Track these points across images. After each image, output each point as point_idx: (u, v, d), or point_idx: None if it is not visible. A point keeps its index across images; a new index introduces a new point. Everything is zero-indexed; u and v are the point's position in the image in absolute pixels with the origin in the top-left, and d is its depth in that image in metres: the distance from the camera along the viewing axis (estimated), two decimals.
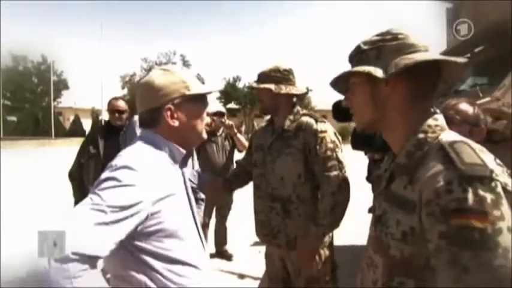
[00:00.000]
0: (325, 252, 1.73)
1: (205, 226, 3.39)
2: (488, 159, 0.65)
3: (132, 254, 0.88)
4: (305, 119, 1.73)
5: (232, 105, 32.28)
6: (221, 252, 3.61)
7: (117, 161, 0.88)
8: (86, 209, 0.77)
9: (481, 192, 0.59)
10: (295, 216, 1.70)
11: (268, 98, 1.77)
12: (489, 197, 0.59)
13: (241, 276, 3.28)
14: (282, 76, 1.76)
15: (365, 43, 0.83)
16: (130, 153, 0.94)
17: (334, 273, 1.79)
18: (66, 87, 34.22)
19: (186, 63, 34.82)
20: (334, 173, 1.62)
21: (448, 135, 0.73)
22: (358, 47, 0.84)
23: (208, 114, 1.08)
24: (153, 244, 0.89)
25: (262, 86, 1.74)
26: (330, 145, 1.65)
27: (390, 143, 0.85)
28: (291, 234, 1.70)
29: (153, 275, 0.89)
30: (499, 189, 0.60)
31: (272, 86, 1.73)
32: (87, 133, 3.04)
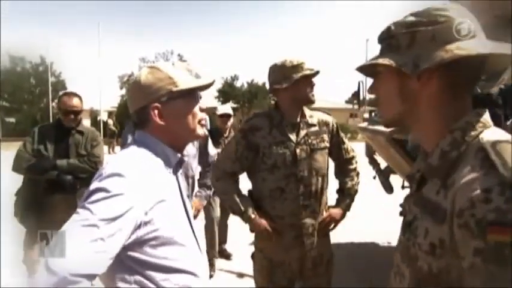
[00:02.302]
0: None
1: (213, 228, 3.36)
2: None
3: (127, 265, 0.85)
4: (319, 113, 1.86)
5: (230, 104, 32.25)
6: (220, 251, 3.59)
7: (106, 168, 0.85)
8: (77, 226, 0.73)
9: None
10: (322, 207, 1.80)
11: (311, 89, 1.76)
12: None
13: (241, 275, 3.28)
14: None
15: (396, 25, 0.70)
16: (121, 159, 0.91)
17: None
18: (65, 88, 34.03)
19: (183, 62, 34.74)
20: (354, 153, 1.94)
21: (492, 134, 0.62)
22: (388, 30, 0.72)
23: (201, 110, 1.02)
24: (147, 253, 0.86)
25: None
26: (343, 135, 1.92)
27: (421, 141, 0.74)
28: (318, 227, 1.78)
29: (149, 286, 0.86)
30: None
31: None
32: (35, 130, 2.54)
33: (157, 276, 0.87)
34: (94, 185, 0.81)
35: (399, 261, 0.73)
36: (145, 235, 0.84)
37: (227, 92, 32.97)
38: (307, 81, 1.73)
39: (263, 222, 1.72)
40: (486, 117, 0.66)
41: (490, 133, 0.62)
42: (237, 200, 1.76)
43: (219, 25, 78.22)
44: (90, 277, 0.72)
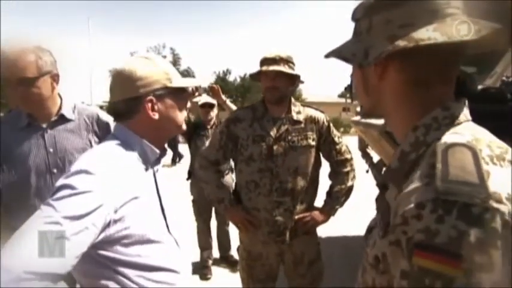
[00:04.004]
0: (317, 236, 1.85)
1: (207, 229, 3.29)
2: (500, 174, 0.45)
3: (100, 265, 0.83)
4: (310, 110, 1.78)
5: (223, 97, 32.03)
6: (226, 258, 3.48)
7: (76, 164, 0.82)
8: (39, 223, 0.69)
9: (462, 226, 0.41)
10: (302, 206, 1.74)
11: (285, 85, 1.70)
12: (474, 234, 0.40)
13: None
14: (292, 63, 1.72)
15: (359, 8, 0.63)
16: (92, 155, 0.88)
17: None
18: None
19: (176, 56, 34.49)
20: (350, 156, 1.83)
21: (454, 134, 0.52)
22: (353, 13, 0.65)
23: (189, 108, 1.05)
24: (119, 251, 0.83)
25: (289, 71, 1.68)
26: (337, 132, 1.82)
27: (395, 136, 0.67)
28: (294, 225, 1.73)
29: (125, 284, 0.84)
30: (496, 223, 0.41)
31: (297, 72, 1.72)
32: None
33: (132, 273, 0.86)
34: (60, 182, 0.78)
35: (359, 267, 0.67)
36: (115, 233, 0.82)
37: (220, 87, 32.80)
38: (265, 78, 1.70)
39: (239, 213, 1.73)
40: (457, 110, 0.56)
41: (453, 133, 0.53)
42: (216, 189, 1.80)
43: (211, 20, 77.63)
44: (52, 276, 0.68)
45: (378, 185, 0.65)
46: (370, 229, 0.65)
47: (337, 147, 1.80)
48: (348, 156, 1.83)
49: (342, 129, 25.31)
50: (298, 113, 1.75)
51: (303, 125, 1.73)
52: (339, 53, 0.64)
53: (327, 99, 33.92)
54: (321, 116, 1.78)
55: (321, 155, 1.82)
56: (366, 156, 3.93)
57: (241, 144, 1.73)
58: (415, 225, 0.45)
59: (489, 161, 0.47)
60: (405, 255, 0.46)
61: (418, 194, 0.46)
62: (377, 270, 0.55)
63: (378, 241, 0.56)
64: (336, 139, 1.80)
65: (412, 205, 0.46)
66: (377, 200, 0.68)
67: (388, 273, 0.52)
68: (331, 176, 1.87)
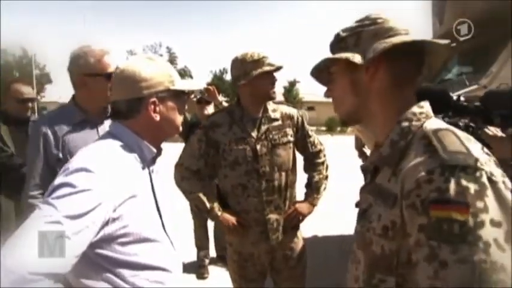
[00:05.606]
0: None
1: (204, 228, 3.28)
2: (475, 147, 0.61)
3: (95, 265, 0.82)
4: (283, 107, 1.82)
5: (219, 98, 31.97)
6: (223, 257, 3.41)
7: (73, 162, 0.81)
8: (39, 223, 0.69)
9: (464, 182, 0.55)
10: (288, 201, 1.76)
11: (272, 85, 1.72)
12: (472, 187, 0.55)
13: None
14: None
15: (344, 30, 0.80)
16: (90, 152, 0.87)
17: None
18: (50, 81, 33.33)
19: (172, 55, 34.41)
20: (322, 147, 1.91)
21: (433, 123, 0.70)
22: (337, 35, 0.81)
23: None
24: (116, 250, 0.83)
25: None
26: (308, 126, 1.88)
27: (373, 133, 0.82)
28: (284, 222, 1.75)
29: (119, 283, 0.84)
30: (484, 179, 0.56)
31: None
32: None
33: (127, 273, 0.85)
34: (59, 180, 0.77)
35: (355, 249, 0.78)
36: (114, 232, 0.82)
37: (216, 86, 32.71)
38: (268, 77, 1.68)
39: (230, 218, 1.71)
40: (428, 108, 0.74)
41: (431, 123, 0.70)
42: (203, 198, 1.74)
43: (208, 18, 77.49)
44: (54, 276, 0.68)
45: (363, 171, 0.85)
46: (363, 211, 0.77)
47: (311, 139, 1.88)
48: (321, 147, 1.92)
49: (338, 129, 25.30)
50: (274, 111, 1.77)
51: (280, 122, 1.76)
52: (339, 56, 0.77)
53: (324, 99, 33.77)
54: (294, 112, 1.84)
55: (296, 149, 1.85)
56: (363, 155, 3.94)
57: (223, 150, 1.70)
58: (427, 187, 0.58)
59: (465, 140, 0.63)
60: (421, 213, 0.58)
61: (424, 165, 0.60)
62: (386, 237, 0.67)
63: (383, 213, 0.68)
64: (310, 132, 1.88)
65: (422, 173, 0.59)
66: (362, 189, 0.83)
67: (396, 239, 0.65)
68: (307, 168, 1.93)
